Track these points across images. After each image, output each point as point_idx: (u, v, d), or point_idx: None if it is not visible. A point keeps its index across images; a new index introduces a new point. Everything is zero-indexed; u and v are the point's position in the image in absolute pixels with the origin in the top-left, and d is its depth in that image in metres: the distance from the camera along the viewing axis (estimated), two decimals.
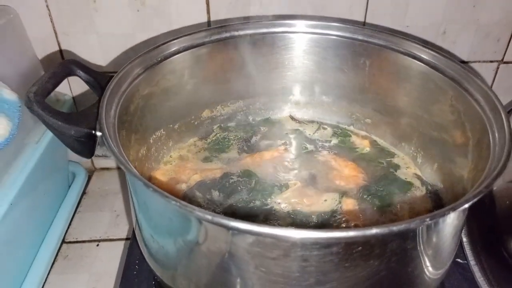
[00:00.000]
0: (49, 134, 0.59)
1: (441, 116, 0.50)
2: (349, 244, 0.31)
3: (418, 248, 0.34)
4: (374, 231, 0.28)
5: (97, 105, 0.42)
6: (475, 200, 0.31)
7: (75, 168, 0.73)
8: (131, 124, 0.46)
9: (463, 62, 0.70)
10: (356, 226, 0.48)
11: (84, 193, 0.71)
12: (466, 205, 0.31)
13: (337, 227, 0.47)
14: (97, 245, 0.62)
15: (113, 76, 0.45)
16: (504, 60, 0.70)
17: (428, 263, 0.37)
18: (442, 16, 0.65)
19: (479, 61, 0.70)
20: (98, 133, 0.39)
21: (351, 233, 0.28)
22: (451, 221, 0.35)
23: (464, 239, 0.54)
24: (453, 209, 0.30)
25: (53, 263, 0.59)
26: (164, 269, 0.43)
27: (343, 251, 0.31)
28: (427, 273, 0.38)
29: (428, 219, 0.29)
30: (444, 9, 0.64)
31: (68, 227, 0.65)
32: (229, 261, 0.34)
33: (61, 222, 0.63)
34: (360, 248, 0.31)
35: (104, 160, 0.75)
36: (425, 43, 0.52)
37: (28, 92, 0.40)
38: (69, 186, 0.70)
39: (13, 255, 0.53)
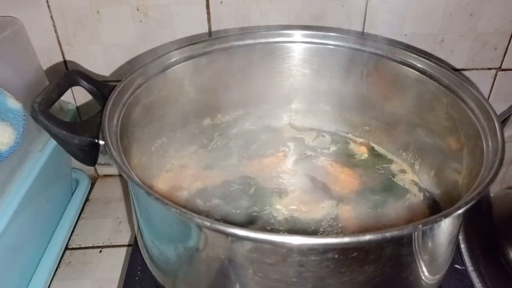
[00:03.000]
0: (53, 143, 0.60)
1: (437, 123, 0.51)
2: (344, 250, 0.31)
3: (413, 254, 0.35)
4: (367, 237, 0.29)
5: (100, 114, 0.43)
6: (467, 207, 0.32)
7: (78, 175, 0.74)
8: (133, 133, 0.47)
9: (461, 69, 0.70)
10: (352, 232, 0.49)
11: (87, 200, 0.72)
12: (459, 211, 0.32)
13: (334, 233, 0.48)
14: (100, 251, 0.63)
15: (115, 86, 0.47)
16: (502, 67, 0.71)
17: (423, 269, 0.37)
18: (440, 25, 0.66)
19: (477, 69, 0.71)
20: (101, 142, 0.40)
21: (346, 239, 0.29)
22: (445, 227, 0.36)
23: (462, 245, 0.54)
24: (446, 216, 0.31)
25: (56, 270, 0.60)
26: (165, 275, 0.43)
27: (338, 257, 0.32)
28: (423, 278, 0.38)
29: (420, 226, 0.30)
30: (441, 18, 0.65)
31: (71, 234, 0.65)
32: (228, 267, 0.35)
33: (64, 228, 0.64)
34: (355, 253, 0.32)
35: (107, 167, 0.76)
36: (421, 52, 0.53)
37: (33, 102, 0.41)
38: (72, 193, 0.71)
39: (17, 262, 0.54)
